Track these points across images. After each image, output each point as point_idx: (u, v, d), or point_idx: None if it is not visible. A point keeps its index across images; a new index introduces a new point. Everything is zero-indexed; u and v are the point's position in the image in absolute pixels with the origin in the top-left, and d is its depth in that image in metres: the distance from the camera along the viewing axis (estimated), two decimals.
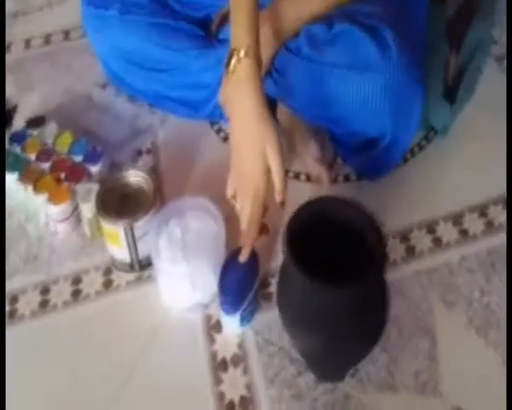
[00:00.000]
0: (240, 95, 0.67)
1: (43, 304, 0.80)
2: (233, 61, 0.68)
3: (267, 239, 0.74)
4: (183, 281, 0.75)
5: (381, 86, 0.73)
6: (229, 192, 0.73)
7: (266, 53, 0.80)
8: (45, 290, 0.81)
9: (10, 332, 0.76)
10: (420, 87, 0.78)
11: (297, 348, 0.70)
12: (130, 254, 0.78)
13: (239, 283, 0.70)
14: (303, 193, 0.88)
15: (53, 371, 0.74)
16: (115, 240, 0.77)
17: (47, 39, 1.19)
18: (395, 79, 0.73)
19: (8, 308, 0.80)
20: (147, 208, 0.76)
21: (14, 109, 1.02)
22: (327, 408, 0.69)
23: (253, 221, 0.68)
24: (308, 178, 0.92)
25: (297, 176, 0.93)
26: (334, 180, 0.90)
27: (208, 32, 0.95)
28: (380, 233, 0.61)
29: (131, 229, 0.75)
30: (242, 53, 0.67)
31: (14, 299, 0.80)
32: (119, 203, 0.78)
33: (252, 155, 0.67)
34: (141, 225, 0.76)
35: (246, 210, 0.68)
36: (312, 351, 0.66)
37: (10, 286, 0.82)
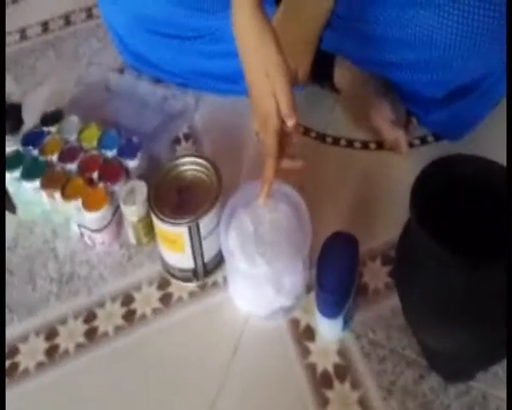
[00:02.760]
0: (237, 13, 0.61)
1: (90, 334, 0.65)
2: None
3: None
4: (265, 284, 0.62)
5: (492, 17, 0.60)
6: (254, 127, 0.65)
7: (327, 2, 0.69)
8: (90, 317, 0.67)
9: (52, 374, 0.62)
10: None
11: (425, 344, 0.57)
12: (195, 259, 0.65)
13: (341, 277, 0.57)
14: (374, 163, 0.78)
15: None
16: (176, 244, 0.63)
17: (45, 27, 1.04)
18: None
19: (45, 346, 0.65)
20: (212, 201, 0.62)
21: (17, 109, 0.87)
22: None
23: (269, 152, 0.60)
24: (379, 146, 0.79)
25: (365, 145, 0.80)
26: (410, 144, 0.78)
27: None
28: None
29: (197, 227, 0.62)
30: None
31: (52, 333, 0.66)
32: (176, 199, 0.64)
33: (256, 79, 0.61)
34: (207, 221, 0.62)
35: (263, 141, 0.62)
36: (448, 347, 0.53)
37: (43, 319, 0.67)
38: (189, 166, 0.67)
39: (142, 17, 0.78)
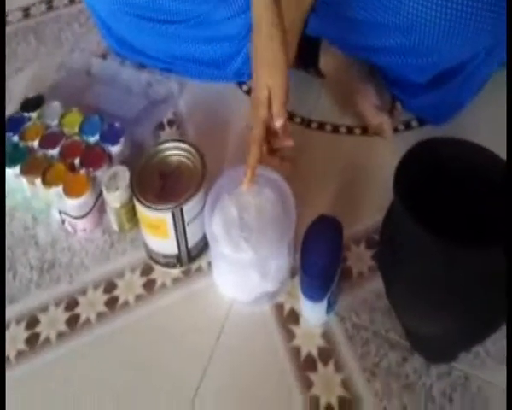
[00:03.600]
0: (254, 11, 0.63)
1: (72, 321, 0.65)
2: None
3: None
4: (250, 270, 0.61)
5: None
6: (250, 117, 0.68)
7: None
8: (72, 304, 0.66)
9: (34, 363, 0.61)
10: None
11: (408, 327, 0.58)
12: (179, 245, 0.64)
13: (325, 261, 0.57)
14: (359, 148, 0.78)
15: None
16: (160, 230, 0.62)
17: (26, 12, 1.02)
18: None
19: (26, 334, 0.64)
20: (196, 186, 0.62)
21: None
22: (446, 395, 0.58)
23: (253, 140, 0.63)
24: (364, 131, 0.79)
25: (350, 130, 0.80)
26: (394, 129, 0.78)
27: None
28: None
29: (181, 213, 0.61)
30: None
31: (34, 321, 0.65)
32: (160, 185, 0.63)
33: (259, 74, 0.64)
34: (191, 207, 0.61)
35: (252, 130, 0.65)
36: (431, 329, 0.53)
37: (24, 307, 0.66)
38: (173, 151, 0.66)
39: (125, 1, 0.77)
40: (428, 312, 0.52)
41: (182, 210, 0.61)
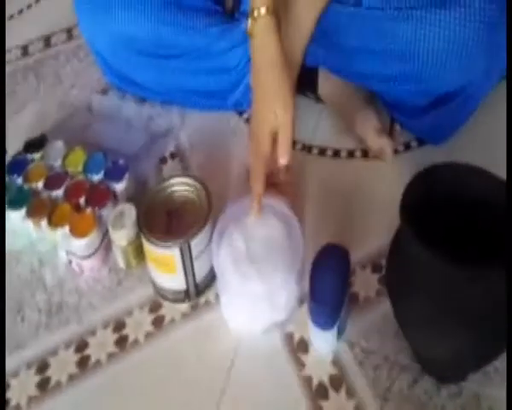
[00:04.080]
0: (258, 51, 0.65)
1: (83, 363, 0.64)
2: (250, 21, 0.65)
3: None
4: (260, 302, 0.61)
5: (478, 23, 0.60)
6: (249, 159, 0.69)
7: (310, 15, 0.69)
8: (82, 345, 0.66)
9: (48, 407, 0.61)
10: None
11: (418, 349, 0.58)
12: (187, 280, 0.64)
13: (333, 288, 0.57)
14: (360, 172, 0.78)
15: None
16: (168, 266, 0.62)
17: (24, 50, 1.03)
18: (491, 14, 0.60)
19: (37, 379, 0.63)
20: (202, 221, 0.62)
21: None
22: None
23: (254, 172, 0.65)
24: (364, 155, 0.80)
25: (351, 154, 0.81)
26: (394, 150, 0.78)
27: (225, 6, 0.82)
28: None
29: (189, 248, 0.61)
30: (263, 10, 0.63)
31: (44, 365, 0.64)
32: (166, 221, 0.63)
33: (261, 113, 0.65)
34: (198, 241, 0.62)
35: (251, 164, 0.66)
36: (443, 351, 0.53)
37: (34, 351, 0.65)
38: (178, 186, 0.66)
39: (126, 37, 0.77)
40: (438, 335, 0.52)
41: (189, 245, 0.61)
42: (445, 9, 0.62)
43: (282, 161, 0.64)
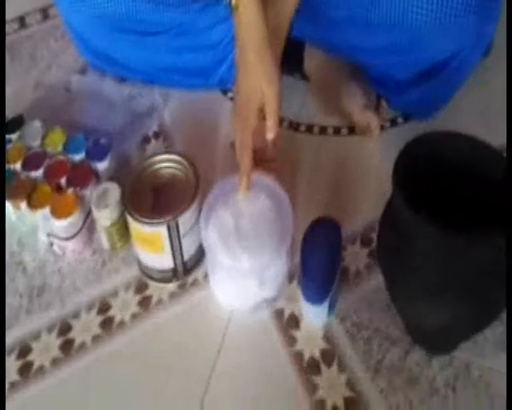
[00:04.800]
0: (242, 25, 0.63)
1: (66, 346, 0.62)
2: None
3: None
4: (249, 278, 0.60)
5: None
6: (234, 135, 0.68)
7: None
8: (65, 329, 0.64)
9: (28, 393, 0.59)
10: None
11: (409, 320, 0.58)
12: (174, 259, 0.63)
13: (325, 262, 0.56)
14: (347, 148, 0.78)
15: None
16: (155, 245, 0.61)
17: None
18: None
19: (18, 363, 0.61)
20: (190, 198, 0.60)
21: None
22: (449, 385, 0.58)
23: (242, 148, 0.64)
24: (350, 131, 0.79)
25: (337, 130, 0.80)
26: (381, 127, 0.78)
27: None
28: None
29: (177, 226, 0.59)
30: None
31: (26, 349, 0.62)
32: (152, 199, 0.62)
33: (249, 91, 0.64)
34: (186, 219, 0.60)
35: (239, 139, 0.66)
36: (435, 321, 0.53)
37: (15, 335, 0.63)
38: (164, 163, 0.65)
39: (104, 15, 0.75)
40: (432, 304, 0.52)
41: (177, 223, 0.60)
42: None
43: (270, 134, 0.63)
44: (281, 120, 0.80)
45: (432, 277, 0.49)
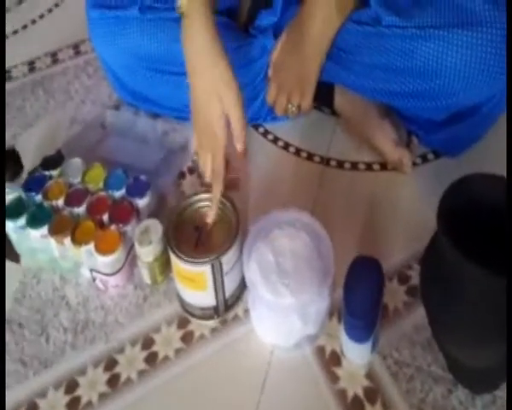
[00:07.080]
0: (191, 34, 0.62)
1: (113, 381, 0.63)
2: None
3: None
4: (291, 315, 0.61)
5: (495, 41, 0.62)
6: (194, 147, 0.69)
7: (327, 33, 0.71)
8: (111, 364, 0.65)
9: None
10: None
11: (452, 360, 0.58)
12: (217, 296, 0.64)
13: (369, 301, 0.57)
14: (379, 183, 0.80)
15: None
16: (198, 283, 0.62)
17: (31, 66, 1.02)
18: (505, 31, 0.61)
19: (66, 399, 0.62)
20: (233, 236, 0.62)
21: (15, 154, 0.82)
22: None
23: (215, 174, 0.63)
24: (382, 167, 0.81)
25: (369, 166, 0.82)
26: (412, 163, 0.79)
27: (238, 21, 0.82)
28: None
29: (220, 265, 0.61)
30: None
31: (73, 385, 0.63)
32: (195, 237, 0.63)
33: (206, 100, 0.62)
34: (229, 258, 0.62)
35: (208, 163, 0.64)
36: (478, 361, 0.54)
37: (60, 371, 0.64)
38: (205, 202, 0.66)
39: (141, 56, 0.77)
40: (475, 344, 0.53)
41: (220, 262, 0.61)
42: (467, 30, 0.63)
43: (239, 145, 0.62)
44: (311, 155, 0.82)
45: (481, 323, 0.50)
